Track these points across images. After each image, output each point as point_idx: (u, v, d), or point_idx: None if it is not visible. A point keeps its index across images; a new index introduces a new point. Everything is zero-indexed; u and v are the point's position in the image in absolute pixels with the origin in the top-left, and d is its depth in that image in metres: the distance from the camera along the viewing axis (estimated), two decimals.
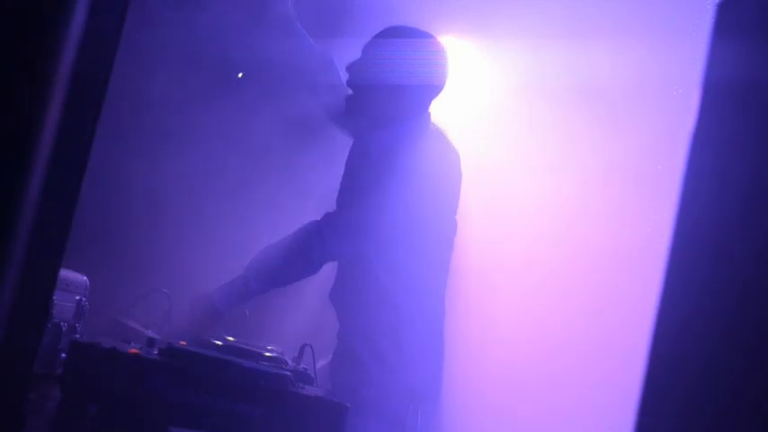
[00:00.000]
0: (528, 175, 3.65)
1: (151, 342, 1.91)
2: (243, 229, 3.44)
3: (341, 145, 3.03)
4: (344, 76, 2.91)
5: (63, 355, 1.96)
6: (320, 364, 2.64)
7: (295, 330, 3.01)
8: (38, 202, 0.92)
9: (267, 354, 2.12)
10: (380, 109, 2.84)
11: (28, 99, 0.82)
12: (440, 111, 2.95)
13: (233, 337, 2.27)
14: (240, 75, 3.68)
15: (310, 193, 3.22)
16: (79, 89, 1.03)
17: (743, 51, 1.04)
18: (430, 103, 2.89)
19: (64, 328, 2.00)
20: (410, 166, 2.71)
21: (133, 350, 1.82)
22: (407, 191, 2.68)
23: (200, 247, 3.25)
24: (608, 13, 3.27)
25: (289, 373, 1.89)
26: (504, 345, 3.54)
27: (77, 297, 2.15)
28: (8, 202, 0.82)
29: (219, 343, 2.14)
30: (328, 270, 2.86)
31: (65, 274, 2.08)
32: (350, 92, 2.91)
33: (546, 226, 3.60)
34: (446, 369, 2.86)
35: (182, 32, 3.30)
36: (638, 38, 3.30)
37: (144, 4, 3.16)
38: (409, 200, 2.68)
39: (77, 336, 2.04)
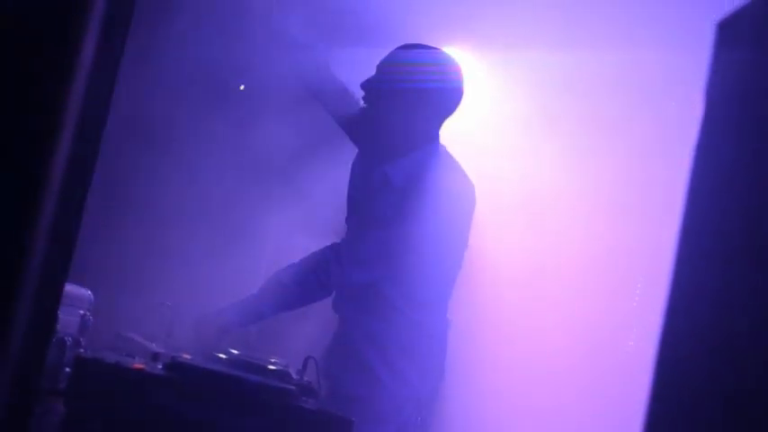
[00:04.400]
0: (528, 183, 3.66)
1: (155, 357, 1.92)
2: (246, 241, 3.45)
3: (346, 158, 3.02)
4: (360, 93, 2.81)
5: (67, 369, 1.96)
6: None
7: (299, 342, 3.01)
8: (48, 220, 0.93)
9: (271, 367, 2.12)
10: (398, 128, 2.75)
11: (40, 122, 0.82)
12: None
13: (237, 349, 2.27)
14: (242, 87, 3.69)
15: (313, 205, 3.22)
16: (83, 107, 1.04)
17: (742, 67, 1.05)
18: (444, 121, 2.81)
19: (68, 343, 2.00)
20: (432, 195, 2.66)
21: (137, 365, 1.82)
22: (429, 221, 2.64)
23: (203, 261, 3.25)
24: (610, 25, 3.28)
25: (293, 387, 1.89)
26: (505, 347, 3.54)
27: (81, 311, 2.15)
28: (23, 224, 0.83)
29: (224, 356, 2.14)
30: None
31: (69, 288, 2.08)
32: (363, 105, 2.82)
33: (546, 230, 3.60)
34: (451, 370, 2.85)
35: (182, 44, 3.31)
36: (639, 48, 3.31)
37: (143, 14, 3.16)
38: (430, 230, 2.64)
39: (81, 350, 2.04)
